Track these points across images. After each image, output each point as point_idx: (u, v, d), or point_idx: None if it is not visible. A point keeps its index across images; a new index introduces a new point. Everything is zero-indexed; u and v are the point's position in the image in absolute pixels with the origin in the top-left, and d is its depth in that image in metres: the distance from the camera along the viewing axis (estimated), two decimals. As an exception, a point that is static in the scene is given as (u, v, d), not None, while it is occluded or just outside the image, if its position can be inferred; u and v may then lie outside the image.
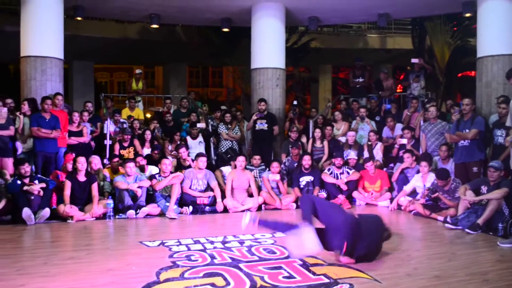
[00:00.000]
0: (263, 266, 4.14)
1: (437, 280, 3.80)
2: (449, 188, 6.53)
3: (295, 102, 10.46)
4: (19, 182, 6.20)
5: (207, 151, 8.95)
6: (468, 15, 9.56)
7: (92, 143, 8.36)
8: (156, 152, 8.17)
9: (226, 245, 4.94)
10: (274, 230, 4.71)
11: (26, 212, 5.93)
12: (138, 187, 6.72)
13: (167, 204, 6.74)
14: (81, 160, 6.59)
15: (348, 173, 7.84)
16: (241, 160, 7.46)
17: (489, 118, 7.60)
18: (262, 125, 9.05)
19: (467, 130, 7.04)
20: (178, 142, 8.60)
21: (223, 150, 9.08)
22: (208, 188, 7.28)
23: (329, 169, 7.93)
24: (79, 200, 6.49)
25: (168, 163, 7.21)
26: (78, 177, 6.55)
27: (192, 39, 14.74)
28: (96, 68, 19.37)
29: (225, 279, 3.80)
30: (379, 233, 4.35)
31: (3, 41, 11.64)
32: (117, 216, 6.53)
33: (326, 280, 3.77)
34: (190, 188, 7.18)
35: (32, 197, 6.16)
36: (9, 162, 6.92)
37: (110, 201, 6.48)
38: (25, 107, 7.68)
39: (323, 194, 7.65)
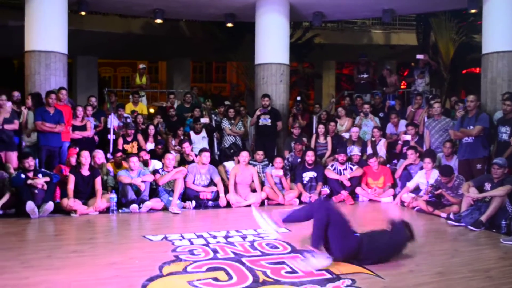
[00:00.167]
0: (265, 261, 4.15)
1: (440, 276, 3.80)
2: (452, 185, 6.51)
3: (298, 98, 10.44)
4: (23, 176, 6.22)
5: (210, 146, 8.95)
6: (473, 11, 9.49)
7: (96, 138, 8.38)
8: (159, 147, 8.18)
9: (229, 239, 4.95)
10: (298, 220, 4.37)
11: (30, 205, 5.96)
12: (142, 181, 6.73)
13: (170, 198, 6.76)
14: (85, 154, 6.61)
15: (351, 169, 7.83)
16: (244, 156, 7.46)
17: (493, 115, 7.56)
18: (265, 120, 9.04)
19: (471, 127, 7.00)
20: (182, 137, 8.62)
21: (227, 145, 9.09)
22: (211, 183, 7.29)
23: (332, 165, 7.92)
24: (82, 194, 6.51)
25: (172, 158, 7.22)
26: (82, 171, 6.57)
27: (196, 34, 14.72)
28: (100, 63, 19.37)
29: (227, 273, 3.81)
30: (390, 248, 4.19)
31: (7, 35, 11.67)
32: (120, 210, 6.56)
33: (329, 276, 3.78)
34: (193, 183, 7.19)
35: (36, 191, 6.17)
36: (13, 156, 6.95)
37: (114, 195, 6.50)
38: (29, 102, 7.72)
39: (326, 190, 7.65)
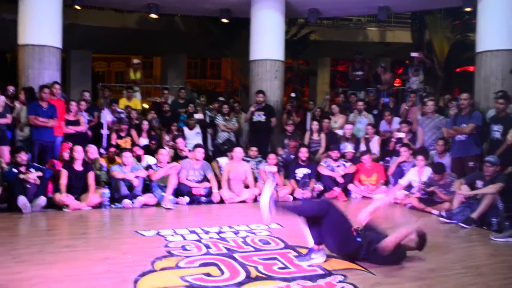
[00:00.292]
0: (258, 257, 4.16)
1: (431, 273, 3.82)
2: (444, 183, 6.56)
3: (293, 95, 10.44)
4: (15, 170, 6.18)
5: (204, 142, 8.95)
6: (468, 9, 9.53)
7: (89, 133, 8.35)
8: (153, 142, 8.16)
9: (222, 235, 4.95)
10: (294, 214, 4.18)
11: (22, 200, 5.94)
12: (135, 177, 6.73)
13: (163, 194, 6.75)
14: (78, 149, 6.59)
15: (344, 166, 7.85)
16: (238, 152, 7.46)
17: (486, 113, 7.60)
18: (259, 116, 9.04)
19: (464, 125, 7.05)
20: (176, 133, 8.60)
21: (221, 141, 9.09)
22: (205, 179, 7.29)
23: (325, 162, 7.94)
24: (75, 189, 6.49)
25: (165, 153, 7.22)
26: (75, 166, 6.55)
27: (191, 29, 14.67)
28: (94, 57, 19.28)
29: (219, 269, 3.82)
30: (389, 259, 3.98)
31: (0, 29, 11.57)
32: (113, 206, 6.54)
33: (321, 271, 3.79)
34: (186, 178, 7.19)
35: (28, 186, 6.14)
36: (5, 150, 6.91)
37: (107, 191, 6.49)
38: (22, 96, 7.67)
39: (319, 187, 7.67)
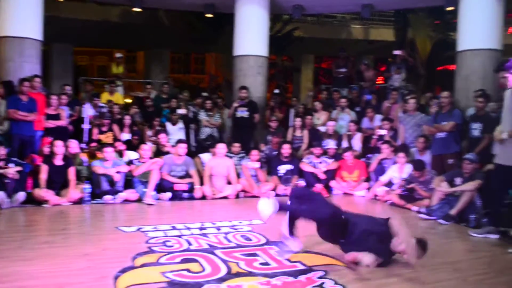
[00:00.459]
0: (239, 253, 4.18)
1: (409, 268, 3.86)
2: (424, 179, 6.65)
3: (276, 91, 10.45)
4: (-7, 165, 6.09)
5: (187, 137, 8.91)
6: (450, 8, 9.63)
7: (70, 127, 8.24)
8: (135, 137, 8.10)
9: (203, 231, 4.95)
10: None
11: (0, 195, 5.85)
12: (116, 172, 6.67)
13: (145, 190, 6.71)
14: (58, 144, 6.51)
15: (326, 162, 7.91)
16: (221, 147, 7.45)
17: (466, 111, 7.72)
18: (243, 112, 9.03)
19: (444, 123, 7.16)
20: (158, 128, 8.55)
21: (203, 137, 9.06)
22: (187, 174, 7.27)
23: (308, 158, 7.99)
24: (55, 184, 6.41)
25: (147, 148, 7.18)
26: (55, 161, 6.47)
27: (175, 24, 14.56)
28: (76, 51, 19.00)
29: (201, 265, 3.82)
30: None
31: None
32: (94, 201, 6.48)
33: (301, 267, 3.83)
34: (169, 174, 7.16)
35: (7, 180, 6.05)
36: (-16, 144, 6.78)
37: (87, 186, 6.43)
38: (1, 90, 7.53)
39: (302, 183, 7.71)
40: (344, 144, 8.54)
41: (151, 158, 7.17)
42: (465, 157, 6.14)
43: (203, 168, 7.50)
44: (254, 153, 7.59)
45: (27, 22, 8.15)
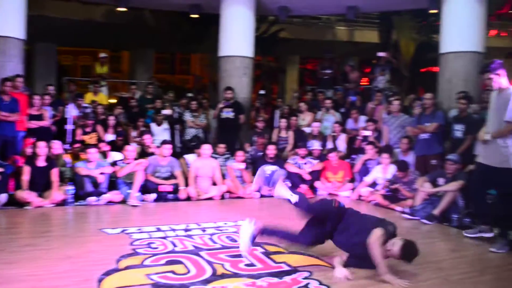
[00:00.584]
0: (224, 254, 4.17)
1: (391, 267, 3.87)
2: (408, 180, 6.73)
3: (262, 92, 10.46)
4: (-26, 166, 5.99)
5: (172, 138, 8.86)
6: (433, 11, 9.73)
7: (53, 128, 8.14)
8: (120, 138, 8.04)
9: (188, 233, 4.94)
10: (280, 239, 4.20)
11: (-18, 197, 5.76)
12: (100, 173, 6.61)
13: (129, 191, 6.65)
14: (41, 144, 6.42)
15: (311, 163, 7.94)
16: (206, 148, 7.44)
17: (448, 112, 7.82)
18: (228, 113, 9.02)
19: (428, 124, 7.24)
20: (142, 129, 8.50)
21: (189, 138, 9.02)
22: (172, 175, 7.23)
23: (293, 159, 8.01)
24: (38, 186, 6.31)
25: (132, 149, 7.13)
26: (38, 162, 6.38)
27: (160, 24, 14.48)
28: (60, 50, 18.77)
29: (186, 266, 3.80)
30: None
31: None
32: (77, 203, 6.41)
33: (286, 268, 3.84)
34: (153, 175, 7.12)
35: (-12, 182, 5.96)
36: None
37: (71, 187, 6.35)
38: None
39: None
40: (329, 145, 8.59)
41: (135, 159, 7.12)
42: (448, 157, 6.23)
43: (188, 169, 7.48)
44: (239, 154, 7.59)
45: (10, 21, 8.03)
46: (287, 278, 3.62)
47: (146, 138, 7.88)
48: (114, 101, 11.49)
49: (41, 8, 12.00)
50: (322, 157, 8.17)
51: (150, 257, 4.03)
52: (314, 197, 7.68)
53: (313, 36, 16.63)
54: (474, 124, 6.32)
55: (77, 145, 7.42)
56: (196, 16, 11.00)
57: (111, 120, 8.42)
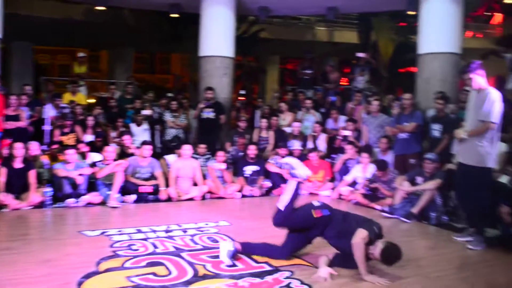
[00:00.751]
0: (206, 255, 4.16)
1: (371, 265, 3.91)
2: (387, 179, 6.81)
3: (242, 92, 10.45)
4: None
5: (152, 138, 8.80)
6: (411, 13, 9.86)
7: (30, 128, 8.01)
8: (99, 139, 7.94)
9: (169, 234, 4.91)
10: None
11: (-44, 200, 5.62)
12: (79, 174, 6.52)
13: (109, 192, 6.58)
14: (18, 146, 6.29)
15: (292, 163, 7.96)
16: (186, 149, 7.40)
17: (426, 112, 7.94)
18: (208, 113, 8.99)
19: (406, 124, 7.35)
20: (122, 129, 8.41)
21: (169, 138, 8.97)
22: (153, 176, 7.18)
23: (273, 159, 8.04)
24: (15, 188, 6.19)
25: (111, 150, 7.04)
26: (14, 163, 6.26)
27: (140, 23, 14.35)
28: (37, 49, 18.46)
29: (167, 268, 3.79)
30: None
31: None
32: (55, 205, 6.31)
33: (268, 268, 3.86)
34: (133, 176, 7.06)
35: (-37, 184, 5.83)
36: None
37: (49, 189, 6.25)
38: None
39: (268, 184, 7.75)
40: (309, 144, 8.64)
41: (115, 160, 7.04)
42: (426, 157, 6.33)
43: (169, 170, 7.43)
44: (220, 154, 7.58)
45: (-15, 19, 7.86)
46: (268, 278, 3.63)
47: (126, 138, 7.80)
48: (93, 101, 11.33)
49: (17, 7, 11.76)
50: (302, 157, 8.20)
51: (130, 259, 4.00)
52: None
53: (293, 36, 16.71)
54: (451, 124, 6.43)
55: (55, 146, 7.32)
56: (176, 15, 10.93)
57: (90, 121, 8.31)
